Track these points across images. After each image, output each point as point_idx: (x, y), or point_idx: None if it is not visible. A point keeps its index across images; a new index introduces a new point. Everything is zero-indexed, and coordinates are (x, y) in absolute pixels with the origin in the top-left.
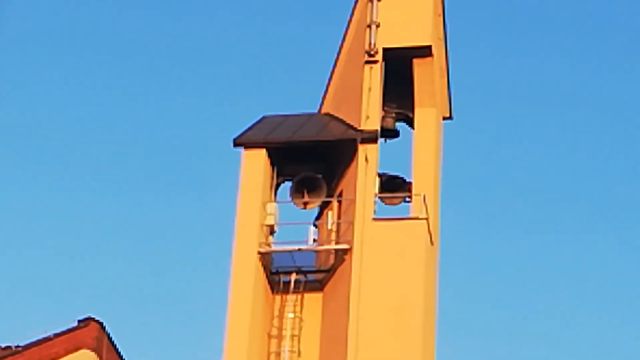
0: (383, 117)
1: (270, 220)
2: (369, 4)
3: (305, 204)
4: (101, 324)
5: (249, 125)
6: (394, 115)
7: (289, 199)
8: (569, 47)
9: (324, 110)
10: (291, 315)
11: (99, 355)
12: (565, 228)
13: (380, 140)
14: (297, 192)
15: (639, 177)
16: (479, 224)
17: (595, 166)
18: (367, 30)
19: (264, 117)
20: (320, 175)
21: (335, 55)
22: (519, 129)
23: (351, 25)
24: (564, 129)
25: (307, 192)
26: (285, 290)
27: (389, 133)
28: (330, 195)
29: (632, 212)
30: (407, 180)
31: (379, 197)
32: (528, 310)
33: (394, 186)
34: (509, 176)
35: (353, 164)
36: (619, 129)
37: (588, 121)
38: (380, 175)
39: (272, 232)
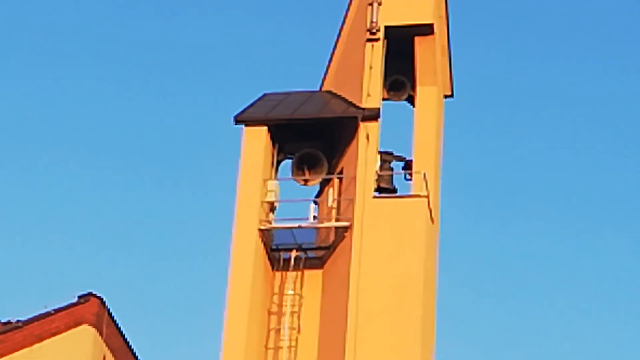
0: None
1: (270, 197)
2: None
3: (306, 180)
4: (101, 299)
5: (250, 102)
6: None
7: (290, 176)
8: (575, 24)
9: (325, 88)
10: (291, 292)
11: (99, 330)
12: (565, 211)
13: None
14: (298, 168)
15: None
16: (479, 202)
17: (595, 146)
18: (369, 8)
19: (265, 95)
20: (321, 152)
21: (337, 33)
22: (520, 108)
23: (353, 3)
24: (567, 108)
25: (308, 169)
26: (286, 268)
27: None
28: (331, 172)
29: None
30: (408, 158)
31: (379, 175)
32: (526, 289)
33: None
34: (509, 154)
35: (354, 142)
36: (629, 106)
37: (593, 103)
38: (380, 153)
39: (272, 209)
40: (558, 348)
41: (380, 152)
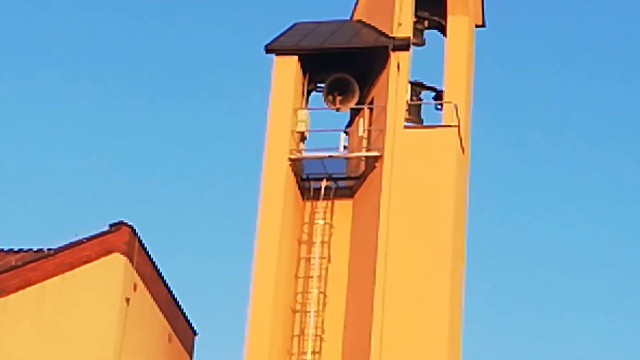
0: (414, 27)
1: (301, 127)
2: None
3: (338, 107)
4: (132, 228)
5: (281, 32)
6: (426, 23)
7: (322, 103)
8: None
9: (356, 18)
10: (321, 221)
11: (130, 259)
12: (591, 140)
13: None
14: (329, 94)
15: None
16: (509, 133)
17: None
18: None
19: (295, 24)
20: (352, 78)
21: None
22: (551, 38)
23: None
24: (598, 41)
25: (340, 95)
26: (316, 197)
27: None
28: (361, 102)
29: None
30: (439, 88)
31: (410, 105)
32: (555, 215)
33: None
34: (540, 85)
35: (385, 72)
36: None
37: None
38: (412, 83)
39: (303, 139)
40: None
41: (411, 82)
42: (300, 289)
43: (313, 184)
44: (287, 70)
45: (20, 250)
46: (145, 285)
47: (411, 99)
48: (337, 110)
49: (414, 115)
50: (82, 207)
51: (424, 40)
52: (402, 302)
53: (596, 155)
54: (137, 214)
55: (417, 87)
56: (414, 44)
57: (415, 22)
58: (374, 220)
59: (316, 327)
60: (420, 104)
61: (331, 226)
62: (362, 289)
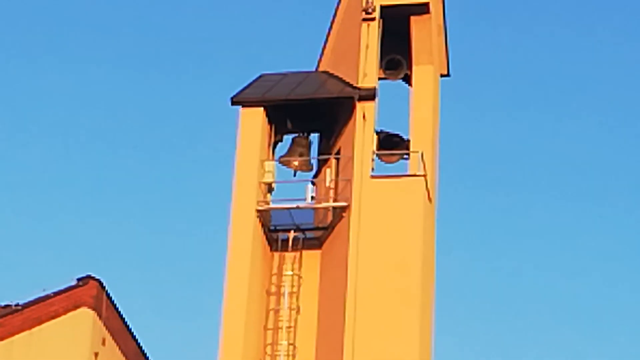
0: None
1: (268, 178)
2: None
3: (297, 168)
4: (100, 282)
5: (247, 83)
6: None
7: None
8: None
9: (321, 69)
10: (290, 272)
11: (99, 313)
12: (563, 184)
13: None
14: (292, 153)
15: None
16: (477, 181)
17: (603, 128)
18: None
19: (261, 76)
20: (309, 136)
21: (333, 13)
22: (516, 86)
23: None
24: (565, 86)
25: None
26: (284, 248)
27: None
28: (328, 152)
29: None
30: (405, 137)
31: (377, 155)
32: (524, 263)
33: (391, 144)
34: (505, 133)
35: (351, 122)
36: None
37: (591, 83)
38: (378, 132)
39: (270, 190)
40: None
41: (377, 132)
42: (269, 340)
43: (281, 235)
44: (253, 122)
45: None
46: (114, 339)
47: (378, 149)
48: (295, 171)
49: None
50: (49, 261)
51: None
52: (372, 353)
53: (563, 202)
54: (104, 268)
55: (383, 136)
56: (385, 78)
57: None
58: (342, 270)
59: None
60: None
61: (300, 277)
62: (332, 340)
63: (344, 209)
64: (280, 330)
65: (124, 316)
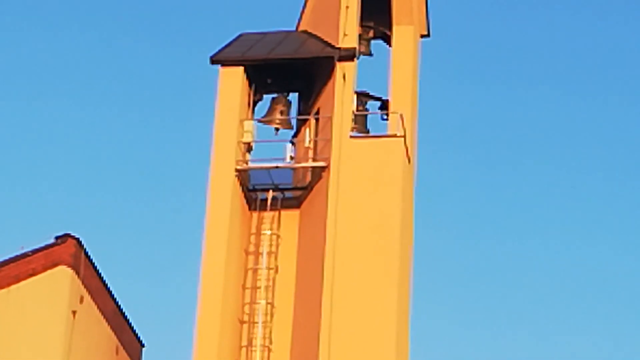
0: (360, 37)
1: (247, 138)
2: None
3: (277, 127)
4: (79, 240)
5: (227, 42)
6: (371, 33)
7: (266, 117)
8: None
9: (301, 28)
10: (268, 232)
11: (77, 271)
12: (543, 151)
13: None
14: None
15: None
16: (455, 141)
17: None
18: None
19: (241, 35)
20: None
21: None
22: (496, 47)
23: None
24: (544, 48)
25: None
26: (263, 208)
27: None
28: (307, 112)
29: None
30: (385, 98)
31: (355, 115)
32: (505, 229)
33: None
34: (485, 94)
35: (330, 82)
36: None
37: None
38: (357, 93)
39: (249, 149)
40: (543, 288)
41: (357, 92)
42: (247, 299)
43: (260, 195)
44: (232, 81)
45: None
46: (92, 297)
47: (357, 109)
48: (277, 129)
49: (360, 125)
50: (27, 219)
51: (371, 50)
52: (350, 312)
53: (543, 165)
54: (83, 226)
55: (363, 97)
56: (361, 53)
57: (360, 33)
58: (321, 230)
59: (264, 338)
60: (366, 114)
61: (278, 237)
62: (310, 299)
63: (322, 169)
64: (258, 290)
65: (102, 275)
